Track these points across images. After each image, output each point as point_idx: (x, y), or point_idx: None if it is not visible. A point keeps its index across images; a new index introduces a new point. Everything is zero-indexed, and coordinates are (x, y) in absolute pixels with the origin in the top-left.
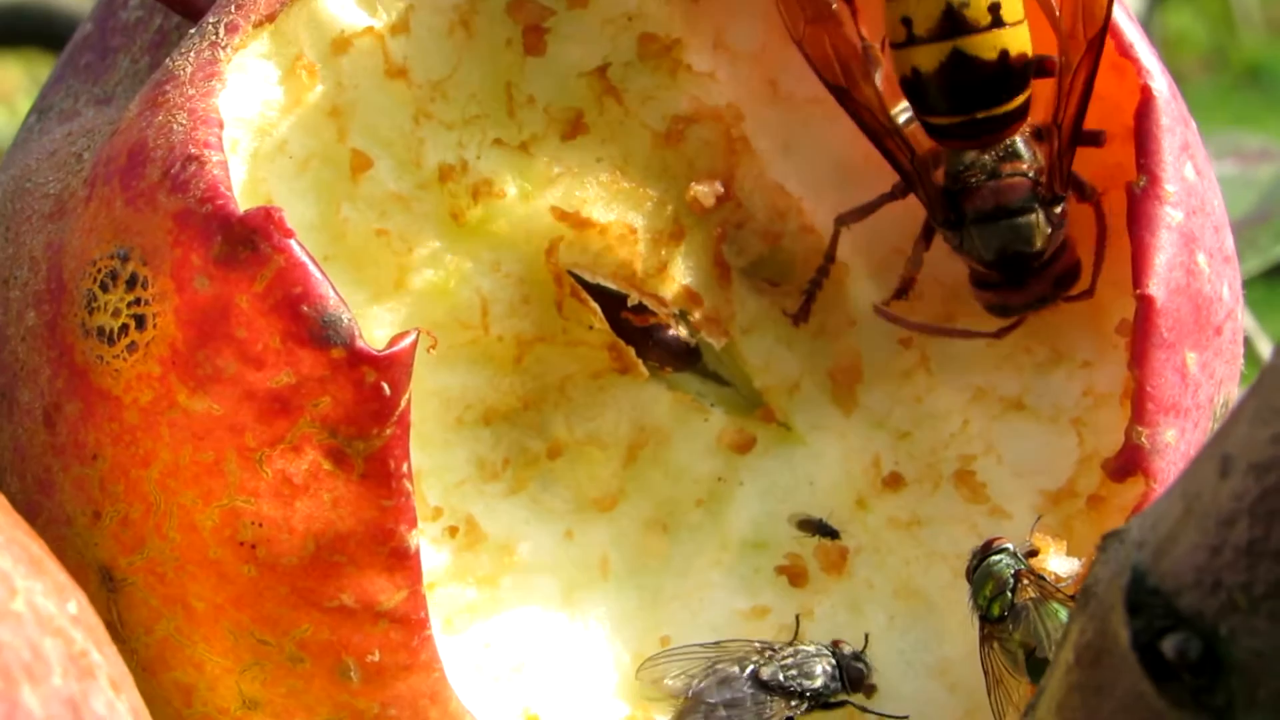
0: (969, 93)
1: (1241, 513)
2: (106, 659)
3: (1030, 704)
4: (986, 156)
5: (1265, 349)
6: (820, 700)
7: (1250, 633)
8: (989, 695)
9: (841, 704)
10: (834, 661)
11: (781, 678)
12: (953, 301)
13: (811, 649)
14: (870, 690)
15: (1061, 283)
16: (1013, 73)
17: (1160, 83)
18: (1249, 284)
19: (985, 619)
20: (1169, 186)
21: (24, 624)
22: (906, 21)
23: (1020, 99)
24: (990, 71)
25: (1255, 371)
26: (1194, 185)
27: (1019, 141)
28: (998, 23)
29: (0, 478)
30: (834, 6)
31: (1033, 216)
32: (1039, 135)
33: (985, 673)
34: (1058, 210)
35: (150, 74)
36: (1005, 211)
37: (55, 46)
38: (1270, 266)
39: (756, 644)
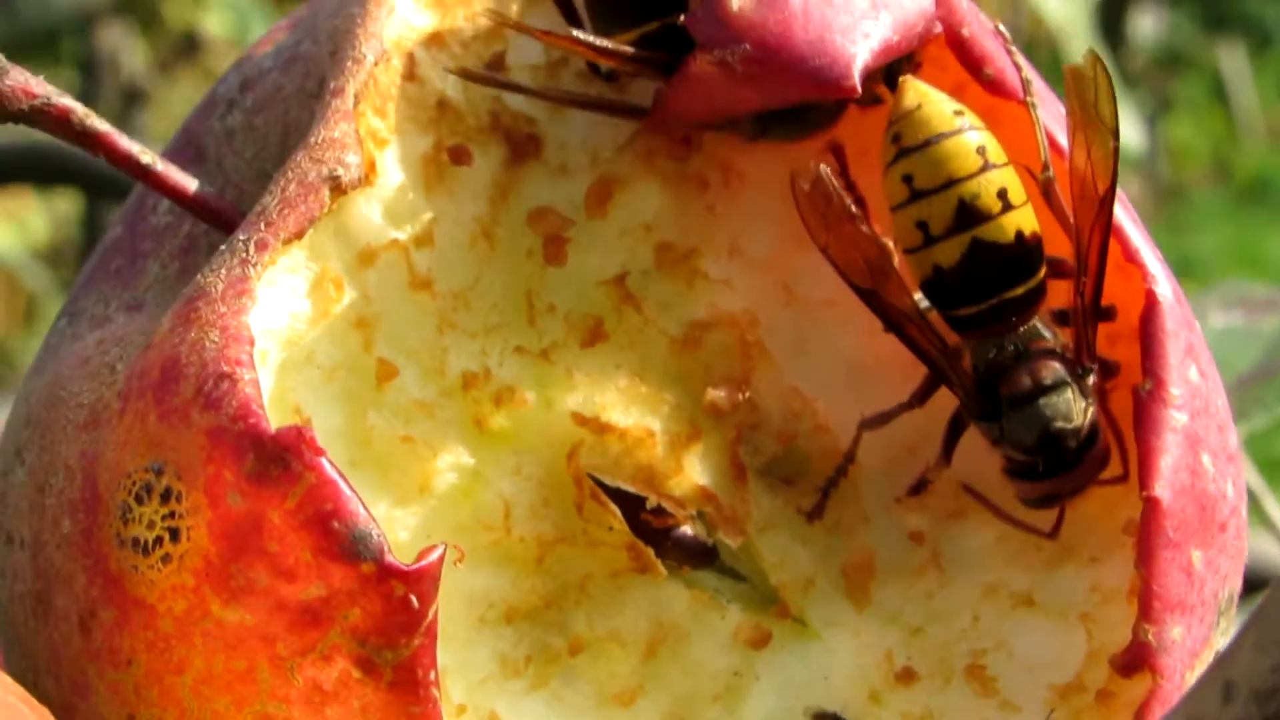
0: (991, 278)
1: None
2: None
3: None
4: (1013, 341)
5: (1271, 508)
6: None
7: None
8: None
9: None
10: None
11: None
12: (964, 496)
13: None
14: None
15: (1099, 465)
16: (1029, 250)
17: (1165, 287)
18: (1254, 440)
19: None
20: (1174, 390)
21: None
22: (922, 225)
23: (1038, 276)
24: (1009, 253)
25: (1260, 525)
26: (1198, 387)
27: (1039, 323)
28: (1008, 206)
29: (36, 679)
30: (853, 209)
31: (1068, 392)
32: (1060, 316)
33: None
34: (1088, 383)
35: (179, 280)
36: (1042, 389)
37: (65, 183)
38: (1276, 423)
39: None
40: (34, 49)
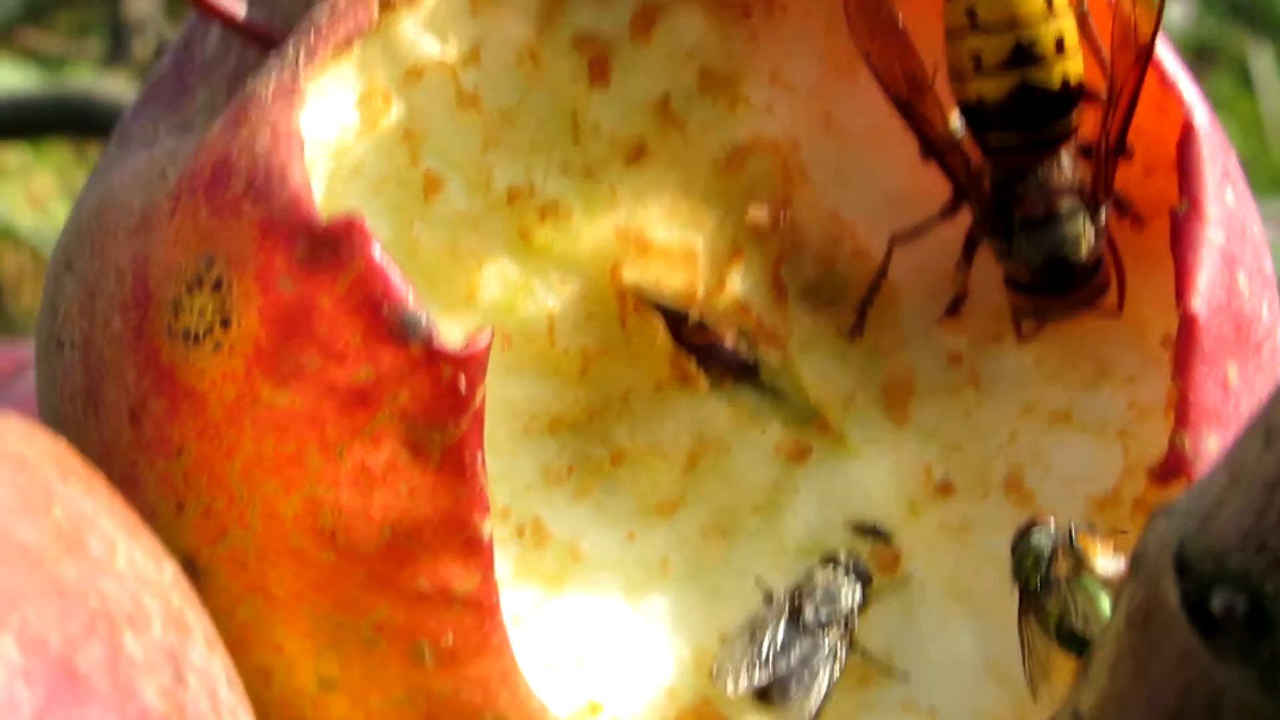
0: (1029, 115)
1: None
2: (200, 621)
3: (1083, 668)
4: (1035, 166)
5: None
6: (864, 605)
7: None
8: (1023, 665)
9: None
10: (847, 573)
11: (823, 614)
12: (1000, 319)
13: (821, 578)
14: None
15: (1094, 296)
16: (1071, 95)
17: (1201, 114)
18: None
19: (1024, 591)
20: (1210, 209)
21: (125, 580)
22: (975, 57)
23: (1073, 114)
24: (1052, 97)
25: None
26: (1234, 210)
27: (1063, 153)
28: (1060, 54)
29: None
30: (899, 21)
31: (1079, 223)
32: (1084, 151)
33: (1021, 644)
34: (1101, 219)
35: (227, 104)
36: (1055, 217)
37: (96, 135)
38: None
39: (778, 598)
40: None
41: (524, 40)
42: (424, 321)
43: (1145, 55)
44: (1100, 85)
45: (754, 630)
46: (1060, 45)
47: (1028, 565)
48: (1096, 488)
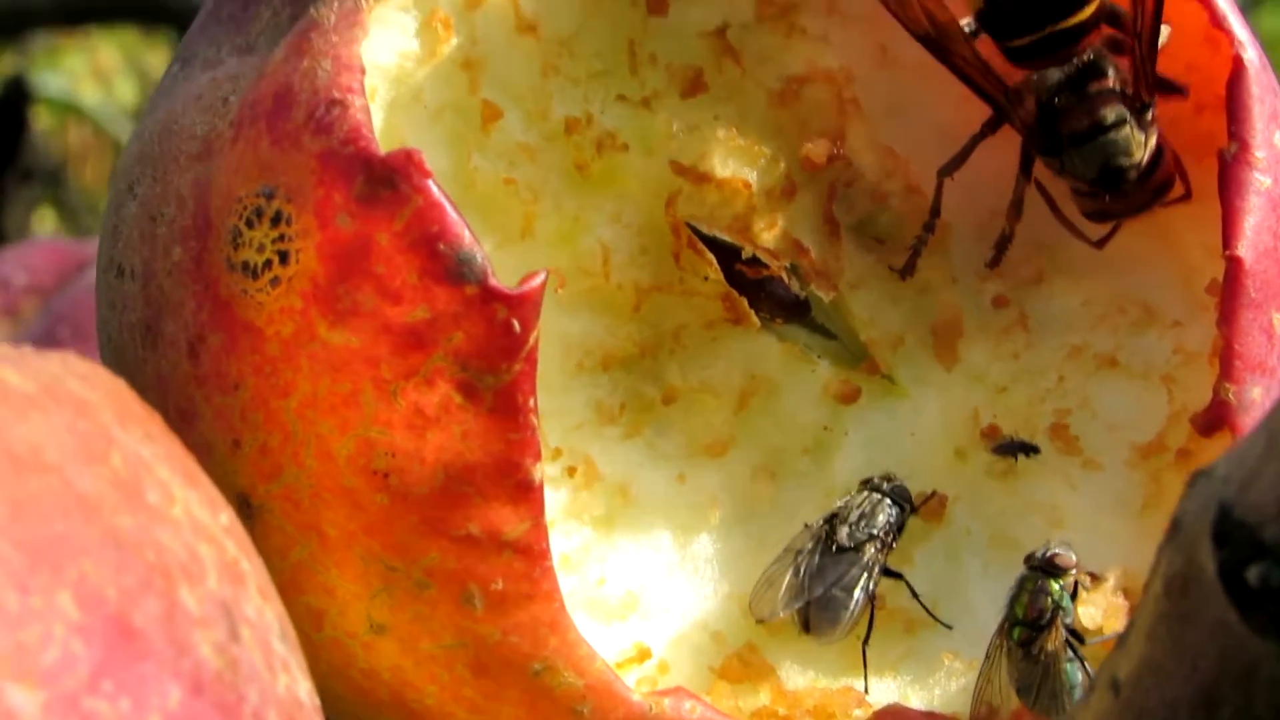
0: (1043, 8)
1: None
2: (255, 569)
3: (1122, 635)
4: (1073, 77)
5: None
6: (900, 529)
7: None
8: (981, 672)
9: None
10: (884, 497)
11: (859, 534)
12: (1042, 256)
13: (860, 500)
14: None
15: (1160, 190)
16: None
17: (1251, 53)
18: None
19: (1009, 624)
20: (1258, 153)
21: (181, 529)
22: None
23: (1091, 8)
24: None
25: None
26: None
27: (1100, 58)
28: None
29: None
30: None
31: (1126, 129)
32: (1116, 47)
33: (987, 655)
34: (1148, 117)
35: (289, 25)
36: (1100, 128)
37: (152, 22)
38: None
39: (814, 525)
40: None
41: None
42: (479, 260)
43: None
44: None
45: (791, 557)
46: None
47: (1022, 603)
48: (1140, 435)
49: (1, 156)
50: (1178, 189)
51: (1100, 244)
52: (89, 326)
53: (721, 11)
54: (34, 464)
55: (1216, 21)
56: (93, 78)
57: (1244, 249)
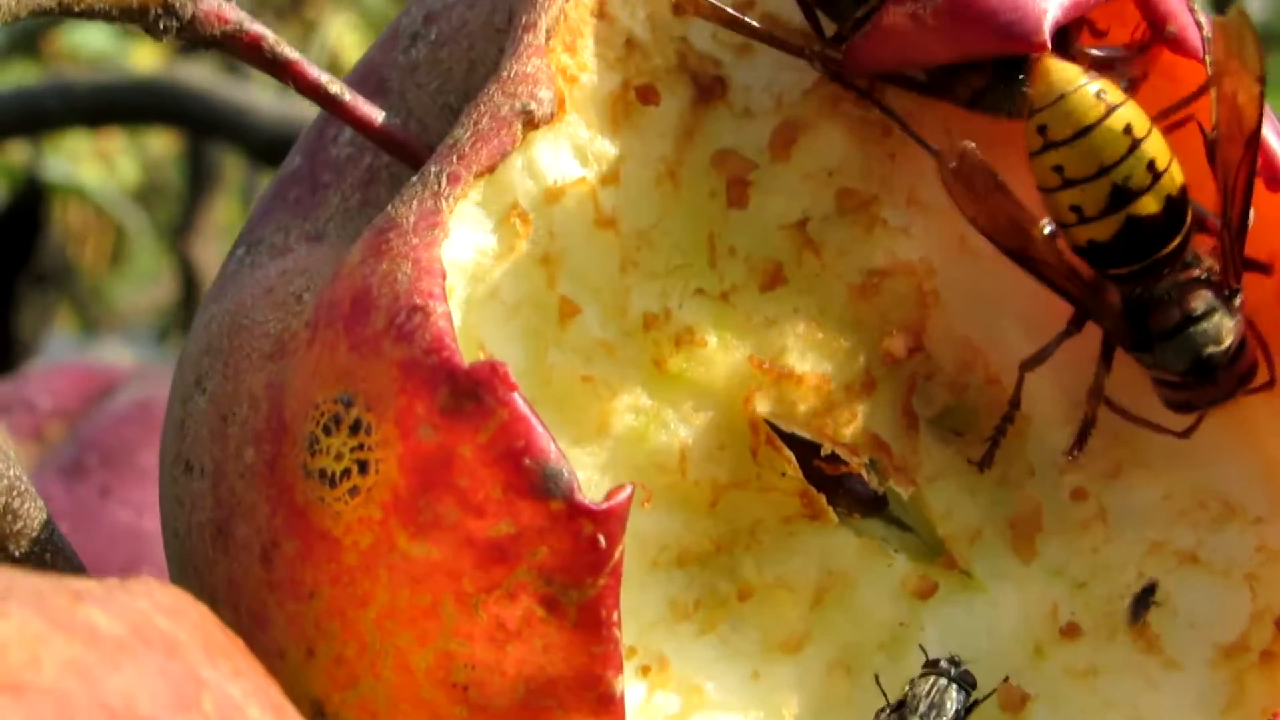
0: (1144, 243)
1: None
2: None
3: None
4: (1160, 276)
5: None
6: (967, 713)
7: None
8: None
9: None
10: (950, 683)
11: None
12: (1121, 448)
13: (927, 686)
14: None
15: (1245, 378)
16: (1179, 208)
17: None
18: None
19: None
20: None
21: None
22: (1076, 209)
23: (1186, 226)
24: (1161, 219)
25: None
26: None
27: (1185, 252)
28: (1157, 176)
29: (214, 609)
30: (1000, 181)
31: (1217, 317)
32: (1202, 227)
33: None
34: (1236, 304)
35: (360, 212)
36: (1191, 320)
37: (182, 124)
38: None
39: (884, 716)
40: None
41: (663, 158)
42: (565, 475)
43: (1253, 144)
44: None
45: None
46: (1153, 167)
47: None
48: (1223, 634)
49: (15, 259)
50: (1261, 374)
51: (1186, 434)
52: (116, 454)
53: (802, 204)
54: (128, 717)
55: (1276, 175)
56: (95, 157)
57: None
